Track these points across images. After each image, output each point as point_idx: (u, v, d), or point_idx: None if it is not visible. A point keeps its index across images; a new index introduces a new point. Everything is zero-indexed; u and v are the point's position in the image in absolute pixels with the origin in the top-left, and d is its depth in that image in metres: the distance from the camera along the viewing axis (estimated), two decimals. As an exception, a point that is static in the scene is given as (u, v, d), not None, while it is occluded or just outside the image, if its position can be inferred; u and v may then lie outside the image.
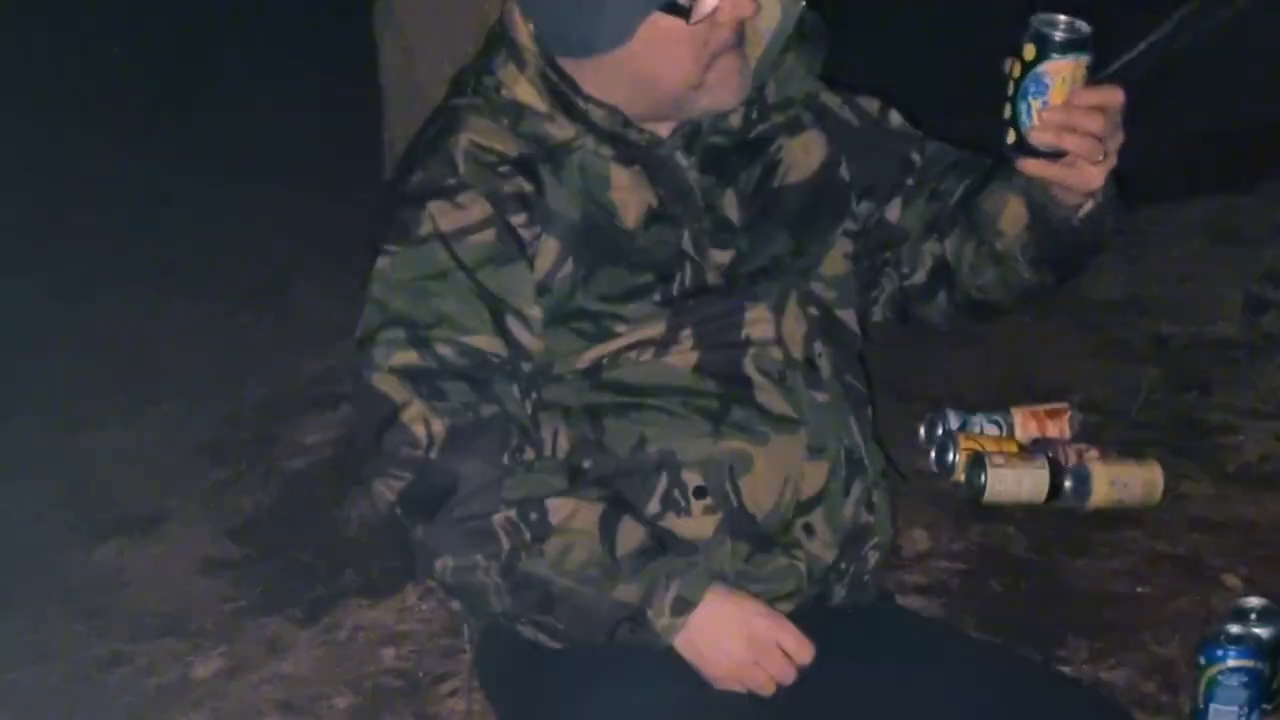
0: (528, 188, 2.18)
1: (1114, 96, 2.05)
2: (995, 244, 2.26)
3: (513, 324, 2.17)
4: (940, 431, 3.79)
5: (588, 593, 2.08)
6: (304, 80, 7.17)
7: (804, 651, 2.09)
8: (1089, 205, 2.15)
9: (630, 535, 2.10)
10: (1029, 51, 2.02)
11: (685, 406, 2.20)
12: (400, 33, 3.66)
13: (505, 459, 2.12)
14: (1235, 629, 2.74)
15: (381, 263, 2.19)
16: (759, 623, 2.09)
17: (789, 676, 2.09)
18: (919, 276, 2.38)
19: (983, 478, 3.55)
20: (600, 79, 2.19)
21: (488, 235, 2.16)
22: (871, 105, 2.42)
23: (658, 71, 2.17)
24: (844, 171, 2.36)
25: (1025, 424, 3.85)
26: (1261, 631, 2.76)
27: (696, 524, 2.18)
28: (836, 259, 2.34)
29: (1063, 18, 2.02)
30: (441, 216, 2.17)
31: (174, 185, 6.50)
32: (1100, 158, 2.07)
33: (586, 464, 2.20)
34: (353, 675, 3.16)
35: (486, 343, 2.15)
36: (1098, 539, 3.46)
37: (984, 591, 3.29)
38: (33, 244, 5.92)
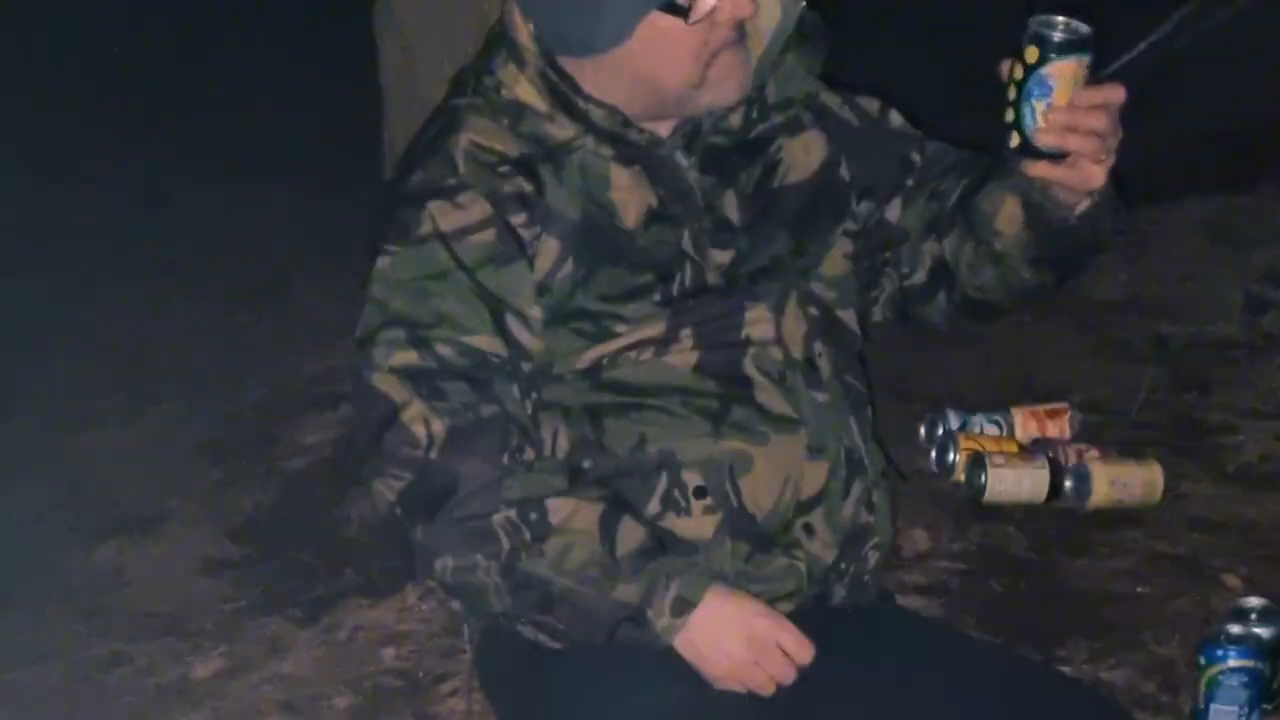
0: (528, 188, 2.19)
1: (1116, 94, 2.06)
2: (993, 244, 2.26)
3: (513, 324, 2.17)
4: (940, 431, 3.79)
5: (588, 593, 2.08)
6: (304, 80, 7.15)
7: (804, 652, 2.09)
8: (1087, 204, 2.15)
9: (630, 535, 2.10)
10: (1030, 54, 2.02)
11: (685, 406, 2.20)
12: (400, 33, 3.66)
13: (505, 459, 2.12)
14: (1235, 629, 2.73)
15: (381, 262, 2.19)
16: (759, 623, 2.09)
17: (789, 676, 2.09)
18: (919, 276, 2.38)
19: (983, 478, 3.55)
20: (600, 78, 2.19)
21: (488, 235, 2.16)
22: (871, 105, 2.43)
23: (658, 71, 2.17)
24: (844, 171, 2.37)
25: (1025, 424, 3.84)
26: (1262, 631, 2.75)
27: (696, 524, 2.18)
28: (836, 259, 2.34)
29: (1061, 19, 2.02)
30: (441, 216, 2.17)
31: (174, 185, 6.49)
32: (1104, 156, 2.07)
33: (586, 464, 2.20)
34: (353, 675, 3.16)
35: (486, 343, 2.15)
36: (1098, 539, 3.46)
37: (984, 591, 3.29)
38: (33, 244, 5.92)
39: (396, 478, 2.12)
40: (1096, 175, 2.09)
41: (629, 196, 2.22)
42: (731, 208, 2.27)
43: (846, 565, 2.26)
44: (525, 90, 2.21)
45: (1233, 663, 2.65)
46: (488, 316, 2.16)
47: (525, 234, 2.18)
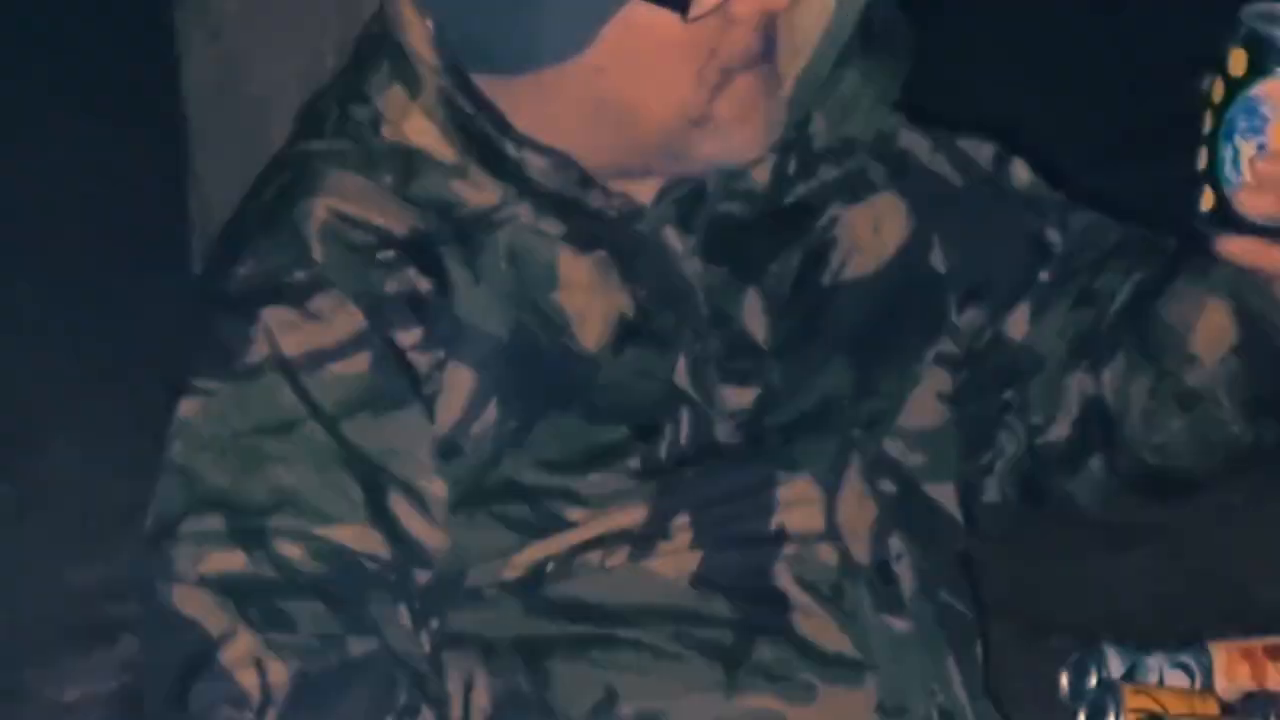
0: (424, 286, 2.17)
1: None
2: (1185, 377, 2.26)
3: (399, 506, 2.15)
4: (1094, 681, 3.79)
5: None
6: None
7: None
8: None
9: None
10: (1237, 63, 2.01)
11: (680, 642, 2.19)
12: (219, 31, 3.70)
13: (387, 731, 2.10)
14: None
15: (187, 408, 2.17)
16: None
17: None
18: (1060, 429, 2.39)
19: (1165, 760, 3.54)
20: (543, 109, 2.19)
21: (358, 362, 2.14)
22: (983, 153, 2.43)
23: (638, 95, 2.17)
24: (937, 260, 2.37)
25: (1232, 669, 3.84)
26: None
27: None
28: (925, 402, 2.35)
29: None
30: (284, 332, 2.14)
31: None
32: None
33: (522, 735, 2.18)
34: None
35: (355, 537, 2.12)
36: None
37: None
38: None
39: (212, 764, 2.09)
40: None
41: (587, 300, 2.21)
42: (755, 319, 2.27)
43: None
44: (419, 127, 2.20)
45: None
46: (359, 495, 2.14)
47: (420, 361, 2.16)
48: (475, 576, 2.18)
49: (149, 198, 4.07)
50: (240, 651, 2.08)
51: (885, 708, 2.21)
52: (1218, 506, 4.12)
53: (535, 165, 2.18)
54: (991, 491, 2.44)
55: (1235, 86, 2.00)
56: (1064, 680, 3.84)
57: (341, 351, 2.14)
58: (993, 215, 2.40)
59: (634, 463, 2.19)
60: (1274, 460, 2.35)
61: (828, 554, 2.23)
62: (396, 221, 2.19)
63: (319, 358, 2.14)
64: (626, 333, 2.21)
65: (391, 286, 2.16)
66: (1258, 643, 3.88)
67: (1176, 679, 3.79)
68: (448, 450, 2.16)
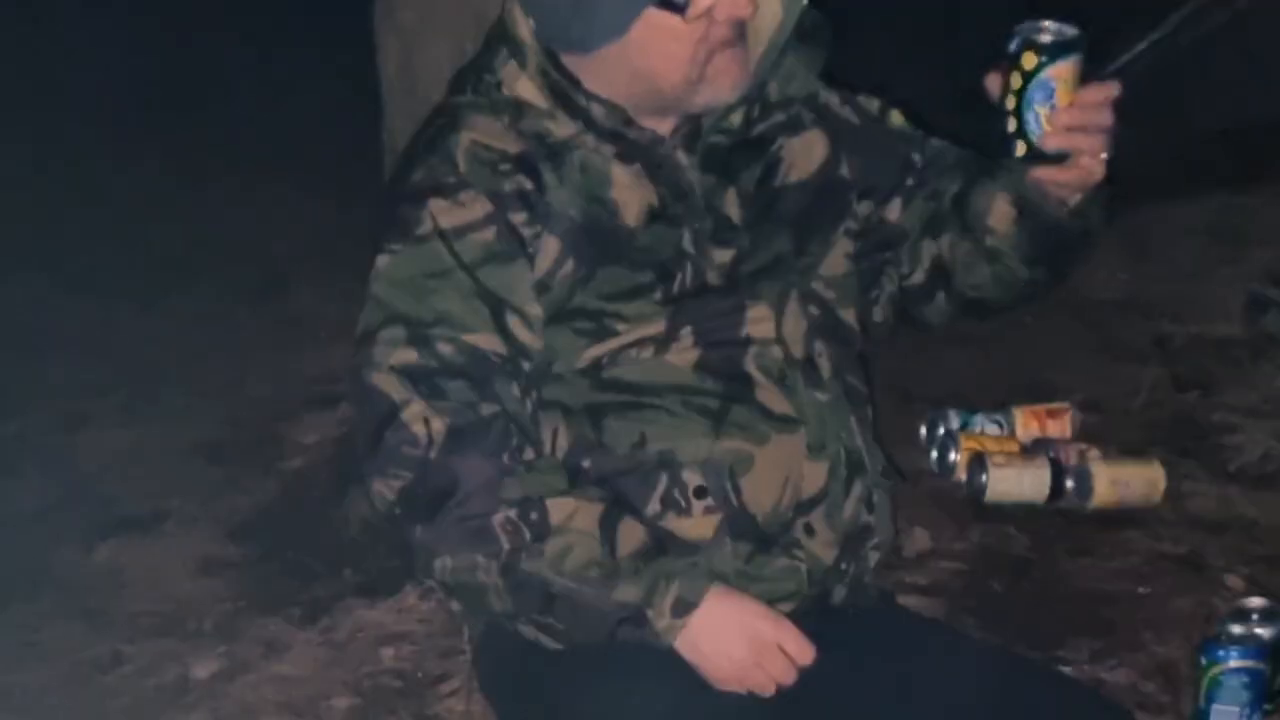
0: (528, 186, 2.18)
1: (1113, 89, 2.08)
2: (986, 241, 2.26)
3: (513, 322, 2.16)
4: (941, 431, 3.79)
5: (587, 593, 2.07)
6: (304, 80, 7.13)
7: (805, 652, 2.08)
8: (1079, 198, 2.16)
9: (630, 536, 2.10)
10: (1029, 60, 2.04)
11: (685, 406, 2.19)
12: (400, 33, 3.65)
13: (505, 458, 2.11)
14: (1237, 629, 2.74)
15: (383, 261, 2.19)
16: (761, 624, 2.08)
17: (790, 677, 2.08)
18: (917, 276, 2.38)
19: (984, 477, 3.55)
20: (600, 75, 2.19)
21: (488, 233, 2.16)
22: (872, 104, 2.43)
23: (654, 67, 2.17)
24: (845, 171, 2.36)
25: (1026, 424, 3.85)
26: (1263, 631, 2.76)
27: (697, 524, 2.17)
28: (837, 258, 2.34)
29: (1049, 22, 2.05)
30: (442, 214, 2.16)
31: (174, 185, 6.47)
32: (1104, 152, 2.08)
33: (586, 463, 2.19)
34: (352, 676, 3.16)
35: (487, 341, 2.14)
36: (1099, 539, 3.46)
37: (984, 591, 3.29)
38: (33, 244, 5.90)
39: (396, 477, 2.11)
40: (1098, 170, 2.11)
41: (629, 195, 2.21)
42: (732, 206, 2.26)
43: (847, 565, 2.25)
44: (526, 88, 2.21)
45: (1234, 663, 2.65)
46: (488, 315, 2.15)
47: (526, 232, 2.17)
48: (558, 365, 2.19)
49: (362, 134, 3.98)
50: (414, 412, 2.11)
51: (812, 447, 2.22)
52: (1016, 323, 4.13)
53: (596, 110, 2.19)
54: (877, 314, 2.43)
55: (1029, 75, 2.03)
56: (922, 431, 3.87)
57: (477, 226, 2.16)
58: (879, 143, 2.39)
59: (657, 295, 2.20)
60: (1046, 290, 2.34)
61: (777, 352, 2.24)
62: (511, 146, 2.20)
63: (464, 230, 2.16)
64: (653, 216, 2.22)
65: (509, 186, 2.17)
66: (1042, 408, 3.91)
67: (992, 430, 3.82)
68: (541, 288, 2.17)
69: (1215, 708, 2.66)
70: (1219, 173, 5.41)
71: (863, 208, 2.37)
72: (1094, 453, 3.61)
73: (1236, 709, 2.65)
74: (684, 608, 2.05)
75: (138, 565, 3.72)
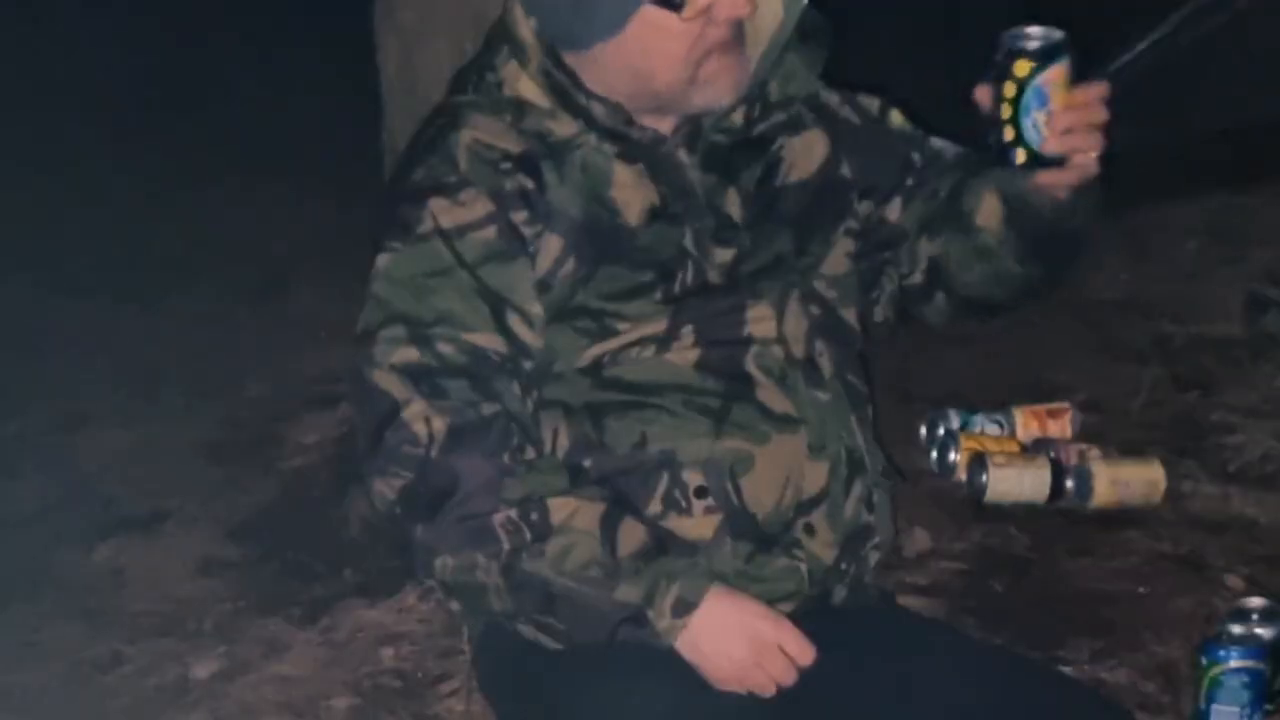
0: (529, 185, 2.18)
1: (1104, 87, 2.08)
2: (978, 240, 2.26)
3: (514, 321, 2.16)
4: (941, 431, 3.79)
5: (588, 593, 2.06)
6: (303, 79, 7.13)
7: (805, 654, 2.08)
8: (1069, 194, 2.16)
9: (631, 536, 2.10)
10: (1021, 68, 2.04)
11: (686, 405, 2.19)
12: (400, 33, 3.65)
13: (506, 457, 2.11)
14: (1237, 629, 2.73)
15: (383, 260, 2.19)
16: (761, 624, 2.07)
17: (790, 678, 2.08)
18: (917, 276, 2.38)
19: (984, 477, 3.55)
20: (600, 74, 2.19)
21: (489, 232, 2.16)
22: (872, 104, 2.42)
23: (651, 65, 2.17)
24: (845, 170, 2.36)
25: (1027, 423, 3.84)
26: (1264, 632, 2.75)
27: (697, 524, 2.17)
28: (838, 258, 2.34)
29: (1034, 29, 2.06)
30: (443, 214, 2.16)
31: (174, 185, 6.47)
32: (1098, 149, 2.09)
33: (587, 463, 2.19)
34: (351, 676, 3.15)
35: (487, 340, 2.14)
36: (1099, 539, 3.46)
37: (984, 591, 3.29)
38: (33, 244, 5.90)
39: (397, 476, 2.11)
40: (1093, 167, 2.11)
41: (631, 194, 2.21)
42: (733, 206, 2.26)
43: (847, 565, 2.25)
44: (527, 87, 2.21)
45: (1234, 663, 2.65)
46: (489, 314, 2.15)
47: (527, 231, 2.17)
48: (560, 365, 2.19)
49: (362, 134, 3.98)
50: (415, 411, 2.11)
51: (813, 447, 2.22)
52: (1017, 323, 4.10)
53: (598, 110, 2.19)
54: (878, 314, 2.43)
55: (1023, 82, 2.03)
56: (922, 431, 3.87)
57: (478, 225, 2.16)
58: (879, 143, 2.39)
59: (658, 295, 2.19)
60: (1042, 289, 2.34)
61: (778, 351, 2.23)
62: (513, 145, 2.20)
63: (464, 229, 2.16)
64: (654, 215, 2.22)
65: (510, 185, 2.17)
66: (1042, 408, 3.91)
67: (992, 430, 3.82)
68: (542, 287, 2.17)
69: (1215, 708, 2.66)
70: (1219, 173, 5.40)
71: (863, 207, 2.37)
72: (1094, 453, 3.61)
73: (1236, 709, 2.65)
74: (684, 608, 2.05)
75: (138, 565, 3.72)
